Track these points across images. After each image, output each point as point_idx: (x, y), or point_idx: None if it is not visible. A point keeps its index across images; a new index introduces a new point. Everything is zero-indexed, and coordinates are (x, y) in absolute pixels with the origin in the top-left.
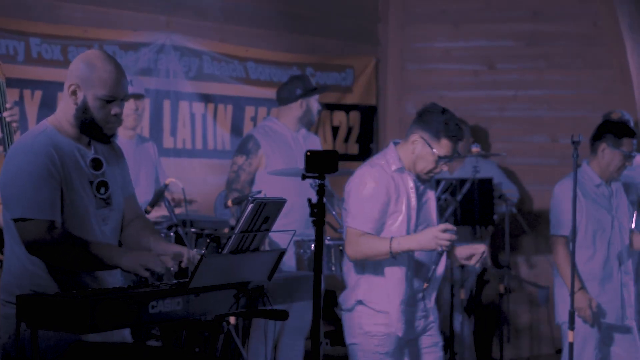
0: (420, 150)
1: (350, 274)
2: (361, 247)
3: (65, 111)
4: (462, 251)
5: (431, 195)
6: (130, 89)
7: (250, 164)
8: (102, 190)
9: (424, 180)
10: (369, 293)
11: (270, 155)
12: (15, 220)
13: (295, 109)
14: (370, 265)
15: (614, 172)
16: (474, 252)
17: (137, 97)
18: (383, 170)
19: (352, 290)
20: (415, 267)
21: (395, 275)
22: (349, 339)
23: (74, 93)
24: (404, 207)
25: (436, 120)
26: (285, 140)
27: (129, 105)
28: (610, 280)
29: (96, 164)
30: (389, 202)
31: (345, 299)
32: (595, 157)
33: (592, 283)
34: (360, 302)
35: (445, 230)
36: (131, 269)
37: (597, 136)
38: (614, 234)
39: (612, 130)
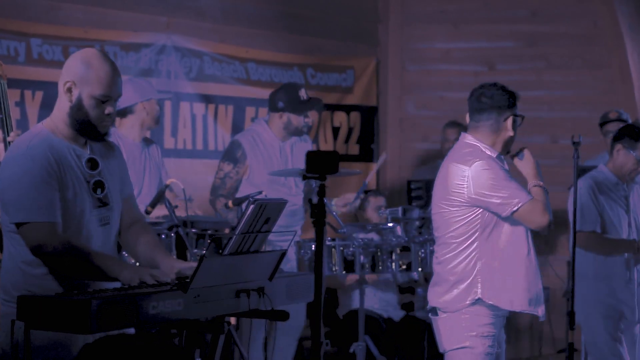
0: None
1: None
2: None
3: (60, 111)
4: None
5: None
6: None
7: (237, 173)
8: (99, 190)
9: None
10: None
11: (254, 167)
12: (17, 224)
13: (276, 119)
14: None
15: (627, 174)
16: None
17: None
18: None
19: None
20: None
21: None
22: None
23: (69, 90)
24: None
25: None
26: (272, 150)
27: (154, 107)
28: (628, 278)
29: (92, 164)
30: None
31: None
32: (611, 157)
33: (611, 281)
34: None
35: None
36: (129, 284)
37: (616, 137)
38: (631, 233)
39: (629, 133)
